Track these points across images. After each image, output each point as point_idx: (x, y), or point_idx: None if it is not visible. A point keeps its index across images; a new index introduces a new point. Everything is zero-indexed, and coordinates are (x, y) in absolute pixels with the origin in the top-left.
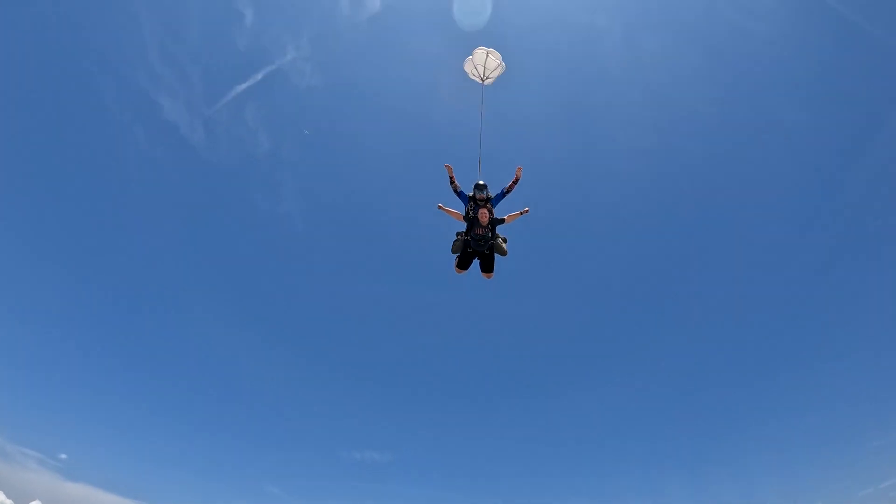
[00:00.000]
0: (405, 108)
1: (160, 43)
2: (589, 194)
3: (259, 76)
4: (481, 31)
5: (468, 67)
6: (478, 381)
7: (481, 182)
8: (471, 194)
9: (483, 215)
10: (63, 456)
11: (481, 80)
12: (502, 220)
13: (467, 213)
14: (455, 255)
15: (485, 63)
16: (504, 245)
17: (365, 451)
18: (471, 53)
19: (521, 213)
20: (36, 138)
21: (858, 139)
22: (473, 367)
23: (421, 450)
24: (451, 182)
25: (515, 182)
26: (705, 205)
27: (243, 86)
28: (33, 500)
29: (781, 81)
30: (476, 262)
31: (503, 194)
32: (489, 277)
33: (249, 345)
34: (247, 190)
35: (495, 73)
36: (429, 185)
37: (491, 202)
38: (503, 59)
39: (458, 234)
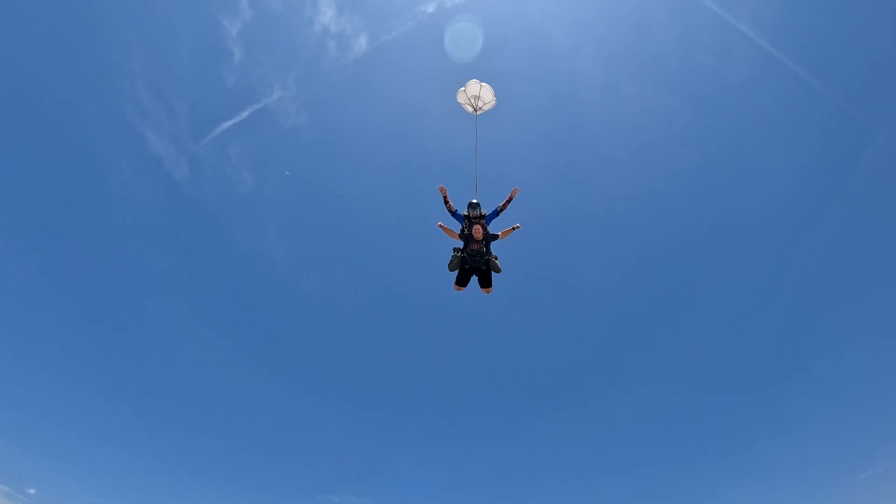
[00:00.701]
0: (390, 149)
1: (149, 76)
2: (572, 236)
3: (245, 114)
4: (470, 65)
5: (461, 98)
6: (464, 422)
7: (474, 201)
8: (465, 213)
9: (477, 231)
10: (32, 491)
11: (474, 110)
12: (496, 236)
13: (462, 230)
14: (453, 273)
15: (479, 94)
16: (497, 262)
17: (343, 494)
18: (464, 85)
19: (513, 229)
20: (17, 166)
21: (834, 181)
22: (459, 407)
23: (403, 494)
24: (446, 202)
25: (509, 201)
26: (683, 250)
27: (229, 123)
28: None
29: (758, 125)
30: (474, 279)
31: (497, 212)
32: (488, 292)
33: (223, 381)
34: (229, 227)
35: (488, 106)
36: (412, 228)
37: (485, 219)
38: (495, 95)
39: (454, 249)
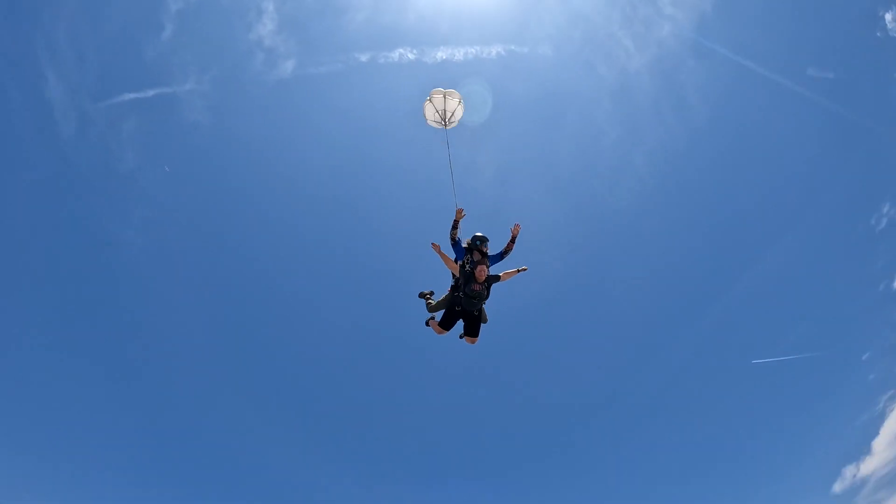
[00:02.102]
0: (283, 173)
1: (72, 16)
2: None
3: (151, 93)
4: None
5: (429, 112)
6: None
7: (482, 234)
8: (466, 245)
9: (481, 271)
10: None
11: (444, 124)
12: (498, 278)
13: (463, 265)
14: (435, 312)
15: (444, 106)
16: (485, 311)
17: None
18: (428, 96)
19: (518, 271)
20: None
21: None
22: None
23: None
24: (455, 227)
25: (513, 241)
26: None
27: (133, 96)
28: None
29: (636, 252)
30: (458, 324)
31: (501, 256)
32: (473, 342)
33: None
34: (95, 200)
35: (457, 116)
36: (284, 253)
37: (489, 259)
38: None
39: (422, 294)
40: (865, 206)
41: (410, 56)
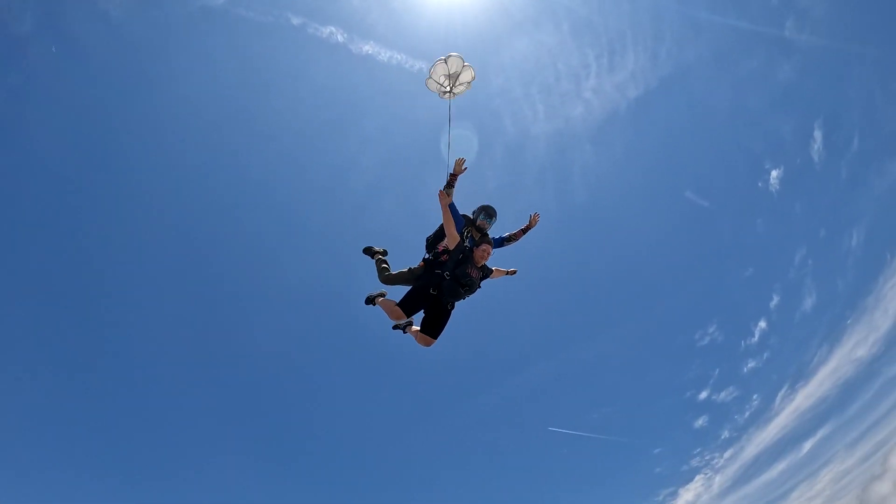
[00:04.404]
0: (171, 103)
1: None
2: None
3: None
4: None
5: (438, 70)
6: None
7: (492, 207)
8: (471, 216)
9: (484, 253)
10: None
11: (448, 91)
12: (491, 272)
13: (461, 239)
14: (390, 285)
15: (460, 73)
16: None
17: None
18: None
19: (508, 273)
20: None
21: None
22: None
23: None
24: (450, 185)
25: (525, 231)
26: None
27: None
28: None
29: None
30: (416, 320)
31: (503, 241)
32: (428, 345)
33: None
34: None
35: (461, 88)
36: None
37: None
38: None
39: (373, 252)
40: (695, 322)
41: (340, 38)
